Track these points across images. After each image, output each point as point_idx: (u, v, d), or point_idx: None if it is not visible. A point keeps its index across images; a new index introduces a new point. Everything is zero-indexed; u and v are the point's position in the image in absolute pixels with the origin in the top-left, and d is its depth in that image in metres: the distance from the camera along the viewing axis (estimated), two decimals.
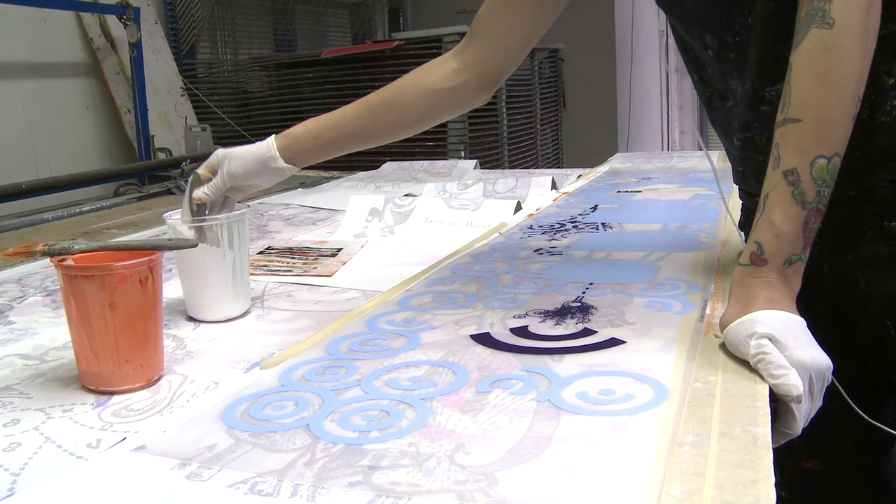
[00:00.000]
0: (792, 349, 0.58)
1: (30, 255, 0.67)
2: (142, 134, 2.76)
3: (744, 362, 0.61)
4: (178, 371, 0.71)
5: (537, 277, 0.92)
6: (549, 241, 1.12)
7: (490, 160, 3.11)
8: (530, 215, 1.33)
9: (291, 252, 1.19)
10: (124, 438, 0.55)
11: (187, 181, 0.91)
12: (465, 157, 2.77)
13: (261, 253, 1.19)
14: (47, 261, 0.87)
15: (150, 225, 1.49)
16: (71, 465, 0.52)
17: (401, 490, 0.45)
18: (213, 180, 0.89)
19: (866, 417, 0.66)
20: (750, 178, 0.85)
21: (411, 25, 4.96)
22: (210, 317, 0.86)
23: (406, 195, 1.44)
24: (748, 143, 0.82)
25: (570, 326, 0.73)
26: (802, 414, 0.59)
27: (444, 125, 2.43)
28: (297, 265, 1.11)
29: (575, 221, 1.25)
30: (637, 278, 0.88)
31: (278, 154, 0.89)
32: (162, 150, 2.79)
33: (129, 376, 0.67)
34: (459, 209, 1.34)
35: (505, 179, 1.62)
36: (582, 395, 0.57)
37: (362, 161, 2.31)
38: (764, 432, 0.50)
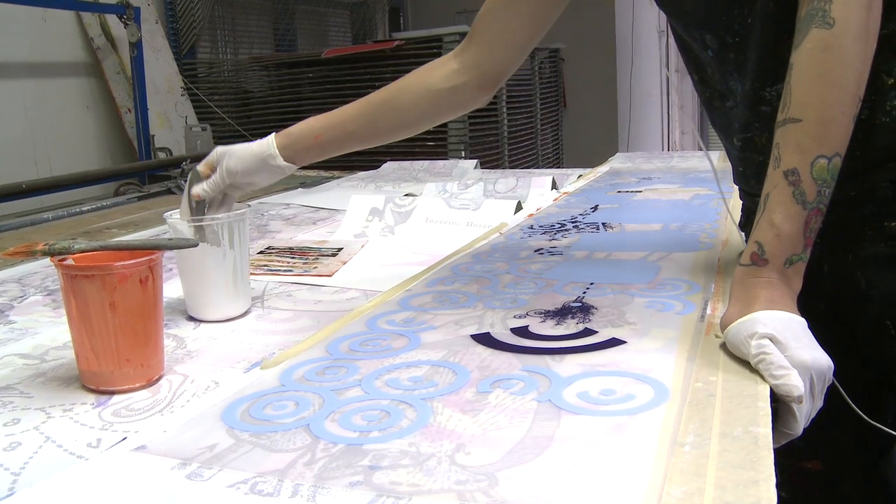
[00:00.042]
0: (793, 349, 0.58)
1: (30, 254, 0.67)
2: (142, 133, 2.76)
3: (745, 362, 0.61)
4: (179, 371, 0.71)
5: (538, 277, 0.92)
6: (550, 241, 1.11)
7: (490, 160, 3.11)
8: (531, 215, 1.33)
9: (292, 252, 1.19)
10: (124, 438, 0.55)
11: (187, 179, 0.91)
12: (465, 157, 2.77)
13: (261, 253, 1.19)
14: (48, 260, 0.87)
15: (151, 224, 1.49)
16: (71, 465, 0.52)
17: (401, 490, 0.45)
18: (212, 177, 0.89)
19: (866, 418, 0.66)
20: (750, 178, 0.85)
21: (412, 25, 4.96)
22: (210, 316, 0.86)
23: (406, 195, 1.44)
24: (748, 143, 0.82)
25: (570, 326, 0.73)
26: (803, 414, 0.59)
27: (444, 125, 2.43)
28: (297, 265, 1.11)
29: (575, 221, 1.25)
30: (638, 278, 0.88)
31: (278, 152, 0.89)
32: (162, 149, 2.79)
33: (130, 376, 0.67)
34: (460, 209, 1.34)
35: (505, 179, 1.62)
36: (583, 395, 0.57)
37: (363, 161, 2.31)
38: (765, 433, 0.50)
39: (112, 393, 0.66)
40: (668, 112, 4.53)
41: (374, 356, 0.68)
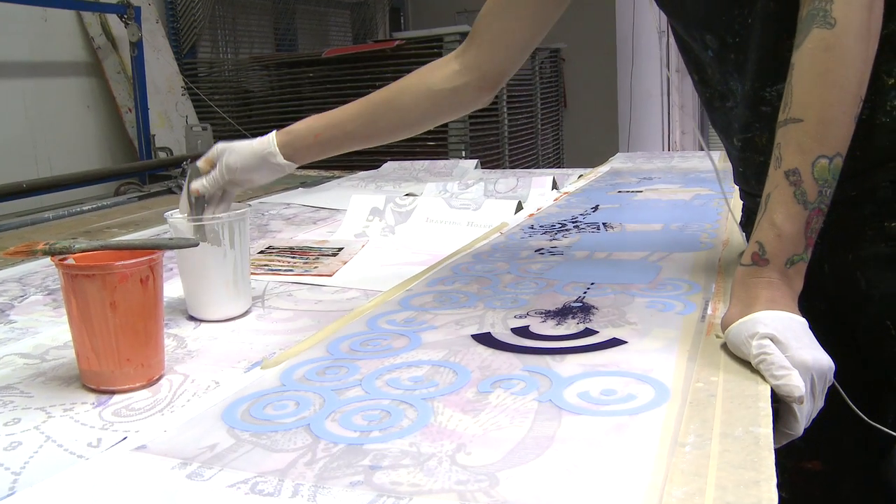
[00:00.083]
0: (794, 349, 0.58)
1: (30, 254, 0.67)
2: (142, 133, 2.76)
3: (745, 363, 0.61)
4: (179, 370, 0.71)
5: (538, 277, 0.92)
6: (551, 240, 1.11)
7: (491, 160, 3.11)
8: (531, 215, 1.33)
9: (292, 251, 1.19)
10: (125, 438, 0.55)
11: (187, 175, 0.91)
12: (465, 157, 2.77)
13: (262, 252, 1.19)
14: (48, 260, 0.87)
15: (151, 224, 1.49)
16: (72, 465, 0.52)
17: (402, 490, 0.45)
18: (212, 173, 0.89)
19: (866, 419, 0.66)
20: (750, 178, 0.85)
21: (412, 25, 4.96)
22: (211, 316, 0.86)
23: (407, 195, 1.44)
24: (748, 143, 0.82)
25: (571, 326, 0.73)
26: (804, 414, 0.59)
27: (445, 125, 2.43)
28: (297, 265, 1.11)
29: (576, 221, 1.25)
30: (638, 278, 0.88)
31: (278, 150, 0.89)
32: (163, 149, 2.79)
33: (130, 375, 0.66)
34: (460, 209, 1.34)
35: (506, 179, 1.62)
36: (583, 395, 0.57)
37: (363, 161, 2.31)
38: (766, 433, 0.50)
39: (112, 392, 0.66)
40: (669, 112, 4.53)
41: (374, 356, 0.68)
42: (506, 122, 3.31)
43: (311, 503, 0.44)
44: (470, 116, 2.90)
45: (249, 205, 0.95)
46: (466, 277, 0.93)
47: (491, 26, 0.90)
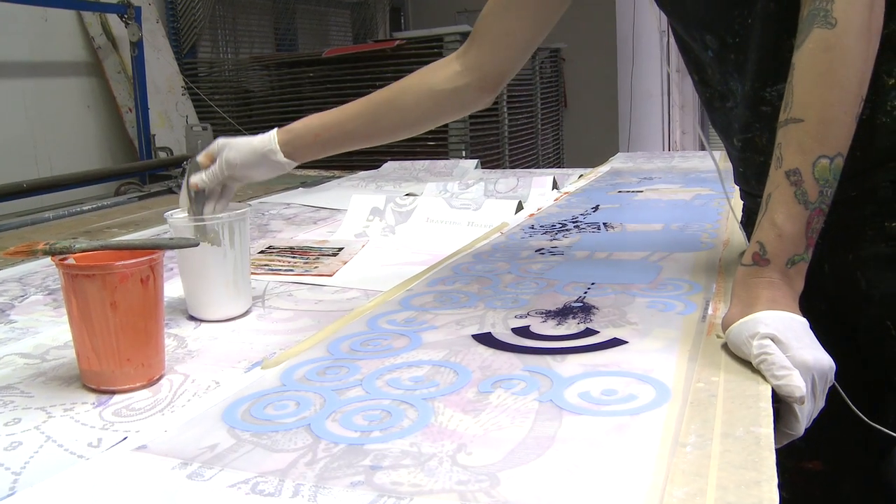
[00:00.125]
0: (794, 349, 0.58)
1: (31, 253, 0.67)
2: (143, 133, 2.76)
3: (746, 363, 0.61)
4: (179, 370, 0.71)
5: (539, 277, 0.92)
6: (551, 240, 1.11)
7: (491, 160, 3.11)
8: (531, 215, 1.33)
9: (292, 251, 1.19)
10: (125, 438, 0.55)
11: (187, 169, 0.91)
12: (466, 157, 2.77)
13: (262, 252, 1.19)
14: (48, 260, 0.87)
15: (151, 224, 1.49)
16: (72, 465, 0.52)
17: (403, 490, 0.45)
18: (211, 167, 0.89)
19: (866, 420, 0.66)
20: (751, 178, 0.85)
21: (412, 25, 4.96)
22: (211, 316, 0.86)
23: (407, 195, 1.44)
24: (748, 143, 0.81)
25: (571, 326, 0.73)
26: (805, 414, 0.59)
27: (445, 125, 2.44)
28: (298, 264, 1.11)
29: (576, 221, 1.25)
30: (639, 278, 0.88)
31: (279, 148, 0.89)
32: (163, 149, 2.79)
33: (130, 375, 0.66)
34: (461, 209, 1.34)
35: (506, 179, 1.62)
36: (584, 395, 0.57)
37: (363, 160, 2.31)
38: (766, 433, 0.50)
39: (113, 392, 0.66)
40: (669, 112, 4.53)
41: (375, 356, 0.68)
42: (506, 121, 3.31)
43: (312, 503, 0.44)
44: (470, 116, 2.90)
45: (249, 205, 0.95)
46: (467, 277, 0.93)
47: (492, 27, 0.90)
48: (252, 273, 0.96)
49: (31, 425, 0.60)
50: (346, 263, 1.11)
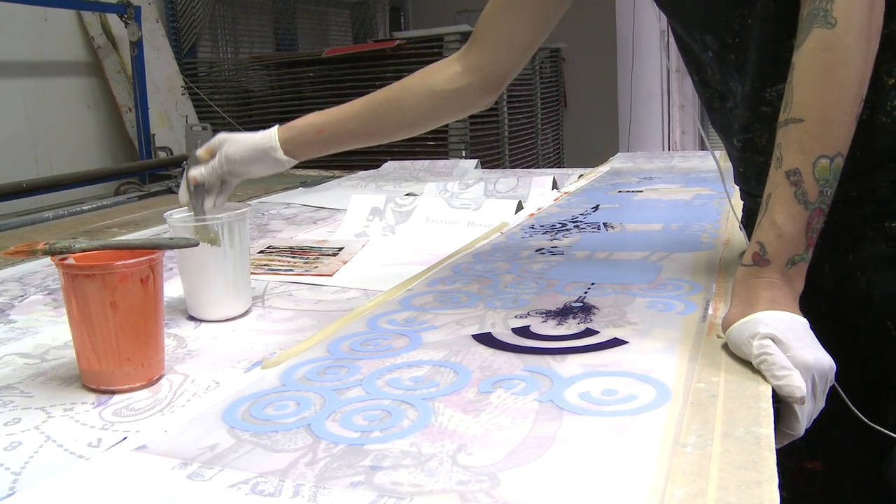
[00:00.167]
0: (795, 350, 0.58)
1: (31, 253, 0.67)
2: (142, 133, 2.76)
3: (746, 363, 0.61)
4: (179, 370, 0.71)
5: (539, 277, 0.92)
6: (551, 240, 1.11)
7: (491, 160, 3.11)
8: (531, 215, 1.33)
9: (292, 251, 1.19)
10: (125, 438, 0.55)
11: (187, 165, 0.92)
12: (466, 157, 2.77)
13: (262, 252, 1.19)
14: (48, 260, 0.87)
15: (151, 224, 1.49)
16: (72, 465, 0.52)
17: (403, 490, 0.45)
18: (211, 162, 0.90)
19: (866, 420, 0.66)
20: (751, 178, 0.85)
21: (412, 25, 4.96)
22: (211, 316, 0.86)
23: (407, 194, 1.44)
24: (748, 144, 0.81)
25: (572, 326, 0.73)
26: (805, 415, 0.59)
27: (445, 125, 2.44)
28: (297, 264, 1.11)
29: (576, 221, 1.25)
30: (639, 278, 0.88)
31: (279, 145, 0.90)
32: (163, 148, 2.79)
33: (130, 375, 0.66)
34: (461, 209, 1.34)
35: (506, 179, 1.62)
36: (584, 395, 0.57)
37: (363, 160, 2.31)
38: (767, 433, 0.50)
39: (113, 392, 0.66)
40: (669, 112, 4.53)
41: (375, 356, 0.68)
42: (506, 121, 3.31)
43: (312, 503, 0.44)
44: (470, 116, 2.90)
45: (249, 205, 0.95)
46: (467, 277, 0.93)
47: (493, 28, 0.90)
48: (252, 273, 0.96)
49: (30, 425, 0.60)
50: (346, 263, 1.11)
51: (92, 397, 0.66)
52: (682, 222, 1.18)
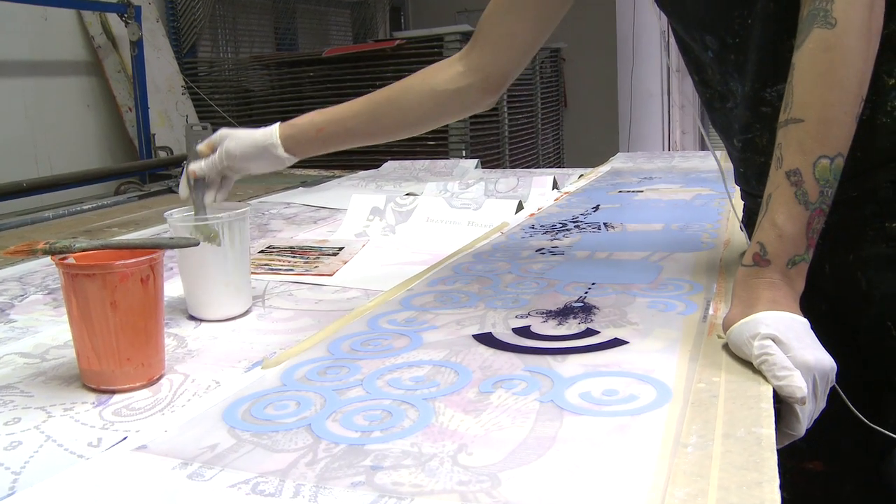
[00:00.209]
0: (795, 350, 0.58)
1: (31, 253, 0.67)
2: (143, 132, 2.76)
3: (747, 363, 0.61)
4: (179, 370, 0.71)
5: (539, 277, 0.91)
6: (551, 240, 1.11)
7: (491, 160, 3.11)
8: (532, 215, 1.33)
9: (292, 251, 1.19)
10: (125, 437, 0.55)
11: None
12: (466, 157, 2.77)
13: (262, 252, 1.19)
14: (48, 259, 0.87)
15: (151, 223, 1.49)
16: (72, 464, 0.52)
17: (403, 491, 0.45)
18: (211, 156, 0.90)
19: (867, 421, 0.66)
20: (751, 179, 0.85)
21: (412, 24, 4.96)
22: (211, 315, 0.86)
23: (407, 194, 1.44)
24: (749, 144, 0.81)
25: (572, 326, 0.73)
26: (806, 415, 0.58)
27: (445, 125, 2.45)
28: (298, 264, 1.11)
29: (577, 221, 1.25)
30: (639, 278, 0.88)
31: (280, 142, 0.90)
32: (163, 148, 2.79)
33: (130, 375, 0.66)
34: (461, 208, 1.34)
35: (506, 179, 1.62)
36: (585, 395, 0.57)
37: (363, 160, 2.31)
38: (768, 433, 0.50)
39: (113, 392, 0.66)
40: (669, 112, 4.53)
41: (375, 356, 0.68)
42: (506, 121, 3.31)
43: (313, 503, 0.44)
44: (471, 116, 2.90)
45: (249, 204, 0.95)
46: (467, 277, 0.93)
47: (494, 28, 0.90)
48: (252, 273, 0.96)
49: (30, 425, 0.60)
50: (346, 263, 1.11)
51: (92, 397, 0.65)
52: (682, 222, 1.18)
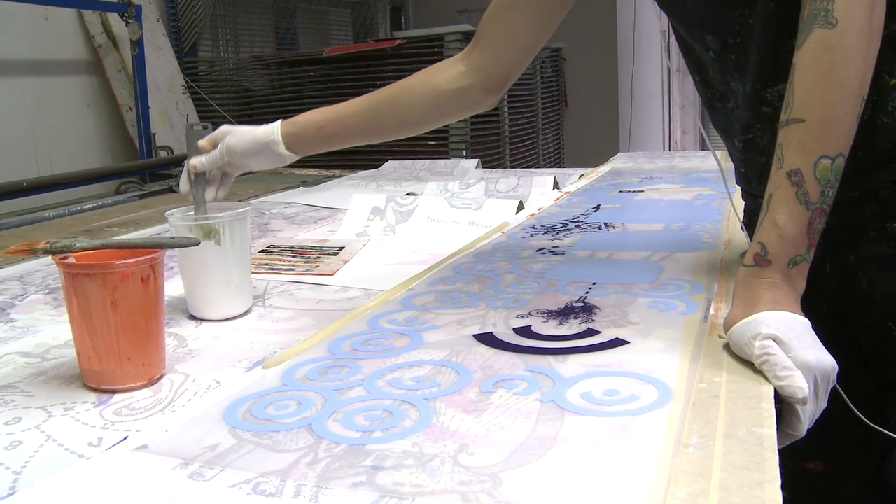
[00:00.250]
0: (797, 350, 0.58)
1: (31, 252, 0.67)
2: (143, 132, 2.76)
3: (748, 363, 0.61)
4: (180, 370, 0.71)
5: (540, 277, 0.91)
6: (552, 240, 1.11)
7: (491, 159, 3.11)
8: (532, 215, 1.33)
9: (293, 251, 1.19)
10: (126, 437, 0.55)
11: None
12: (466, 157, 2.77)
13: (262, 251, 1.19)
14: (49, 259, 0.87)
15: (152, 223, 1.49)
16: (72, 464, 0.52)
17: (404, 491, 0.45)
18: (212, 152, 0.90)
19: (868, 422, 0.66)
20: (752, 179, 0.85)
21: (413, 24, 4.96)
22: (211, 315, 0.86)
23: (408, 194, 1.44)
24: (749, 144, 0.81)
25: (573, 326, 0.73)
26: (807, 415, 0.58)
27: (446, 124, 2.45)
28: (298, 264, 1.11)
29: (577, 221, 1.25)
30: (640, 278, 0.88)
31: (281, 139, 0.90)
32: (163, 147, 2.79)
33: (131, 375, 0.66)
34: (461, 208, 1.33)
35: (507, 179, 1.62)
36: (586, 395, 0.57)
37: (364, 160, 2.31)
38: (769, 434, 0.50)
39: (113, 392, 0.66)
40: (670, 112, 4.53)
41: (376, 356, 0.68)
42: (507, 121, 3.31)
43: (314, 503, 0.44)
44: (471, 116, 2.90)
45: (250, 204, 0.95)
46: (468, 277, 0.93)
47: (495, 28, 0.90)
48: (253, 272, 0.96)
49: (31, 424, 0.60)
50: (346, 263, 1.11)
51: (92, 396, 0.65)
52: (683, 222, 1.18)
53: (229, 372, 0.70)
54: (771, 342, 0.59)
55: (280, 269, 1.09)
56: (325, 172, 2.16)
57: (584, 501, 0.43)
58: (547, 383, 0.60)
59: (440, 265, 1.01)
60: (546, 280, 0.90)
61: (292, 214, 1.53)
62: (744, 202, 0.94)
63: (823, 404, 0.60)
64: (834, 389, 0.61)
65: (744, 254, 0.69)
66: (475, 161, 2.05)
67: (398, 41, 3.00)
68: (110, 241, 0.71)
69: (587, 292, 0.84)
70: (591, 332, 0.71)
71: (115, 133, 2.92)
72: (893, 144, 0.71)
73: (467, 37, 2.78)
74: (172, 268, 1.03)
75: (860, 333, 0.79)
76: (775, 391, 0.56)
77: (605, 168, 1.93)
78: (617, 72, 4.55)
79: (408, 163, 2.12)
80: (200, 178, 0.90)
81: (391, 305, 0.84)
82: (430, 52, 2.88)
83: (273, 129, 0.91)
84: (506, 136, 3.30)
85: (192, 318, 0.87)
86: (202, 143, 0.91)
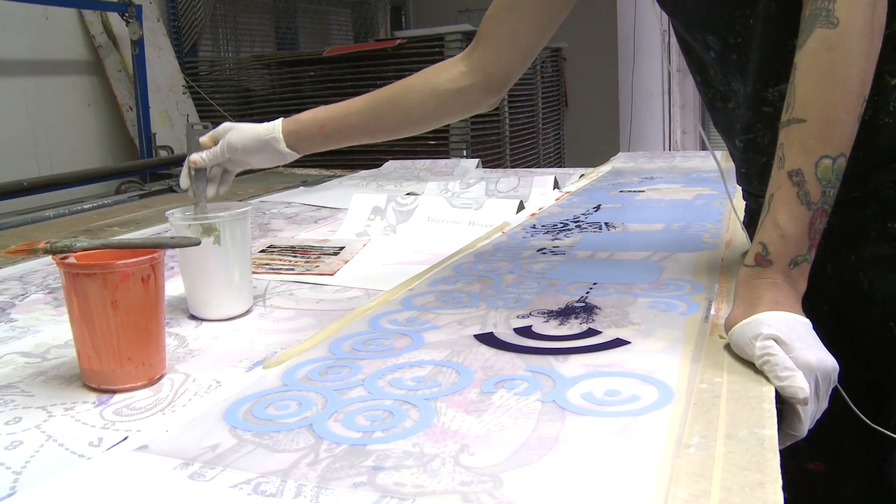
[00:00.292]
0: (798, 350, 0.58)
1: (31, 252, 0.67)
2: (143, 131, 2.76)
3: (749, 364, 0.61)
4: (180, 370, 0.71)
5: (541, 277, 0.91)
6: (553, 240, 1.11)
7: (492, 159, 3.11)
8: (533, 214, 1.33)
9: (293, 251, 1.19)
10: (126, 437, 0.55)
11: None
12: (467, 156, 2.77)
13: (263, 251, 1.19)
14: (49, 258, 0.87)
15: (152, 223, 1.49)
16: (73, 464, 0.52)
17: (405, 491, 0.45)
18: (213, 148, 0.91)
19: (869, 423, 0.66)
20: (753, 179, 0.85)
21: (413, 24, 4.96)
22: (212, 315, 0.86)
23: (408, 194, 1.44)
24: (750, 144, 0.81)
25: (574, 326, 0.73)
26: (808, 416, 0.58)
27: (446, 124, 2.45)
28: (299, 264, 1.11)
29: (578, 221, 1.24)
30: (641, 278, 0.88)
31: (282, 137, 0.91)
32: (163, 147, 2.79)
33: (131, 375, 0.66)
34: (462, 208, 1.33)
35: (507, 179, 1.62)
36: (587, 395, 0.57)
37: (364, 160, 2.31)
38: (770, 434, 0.49)
39: (113, 392, 0.66)
40: (670, 112, 4.52)
41: (376, 356, 0.68)
42: (507, 121, 3.31)
43: None
44: (472, 116, 2.90)
45: (250, 204, 0.95)
46: (469, 277, 0.93)
47: (496, 28, 0.90)
48: (253, 272, 0.96)
49: (31, 424, 0.60)
50: (347, 263, 1.11)
51: (93, 396, 0.65)
52: (683, 222, 1.18)
53: (230, 372, 0.70)
54: (772, 342, 0.58)
55: (280, 268, 1.09)
56: (325, 172, 2.16)
57: (585, 502, 0.43)
58: (548, 383, 0.60)
59: (441, 265, 1.01)
60: (547, 280, 0.90)
61: (293, 214, 1.53)
62: (744, 202, 0.94)
63: (824, 405, 0.60)
64: (835, 390, 0.61)
65: (745, 254, 0.68)
66: (475, 161, 2.05)
67: (398, 41, 2.99)
68: (110, 241, 0.70)
69: (588, 292, 0.84)
70: (591, 333, 0.71)
71: (115, 133, 2.92)
72: (894, 144, 0.71)
73: (468, 37, 2.78)
74: (173, 267, 1.03)
75: (861, 334, 0.78)
76: (776, 392, 0.56)
77: (605, 168, 1.93)
78: (617, 72, 4.55)
79: (408, 163, 2.12)
80: (201, 173, 0.90)
81: (392, 305, 0.84)
82: (430, 51, 2.88)
83: (274, 127, 0.91)
84: (506, 135, 3.30)
85: (193, 317, 0.87)
86: (203, 139, 0.91)
